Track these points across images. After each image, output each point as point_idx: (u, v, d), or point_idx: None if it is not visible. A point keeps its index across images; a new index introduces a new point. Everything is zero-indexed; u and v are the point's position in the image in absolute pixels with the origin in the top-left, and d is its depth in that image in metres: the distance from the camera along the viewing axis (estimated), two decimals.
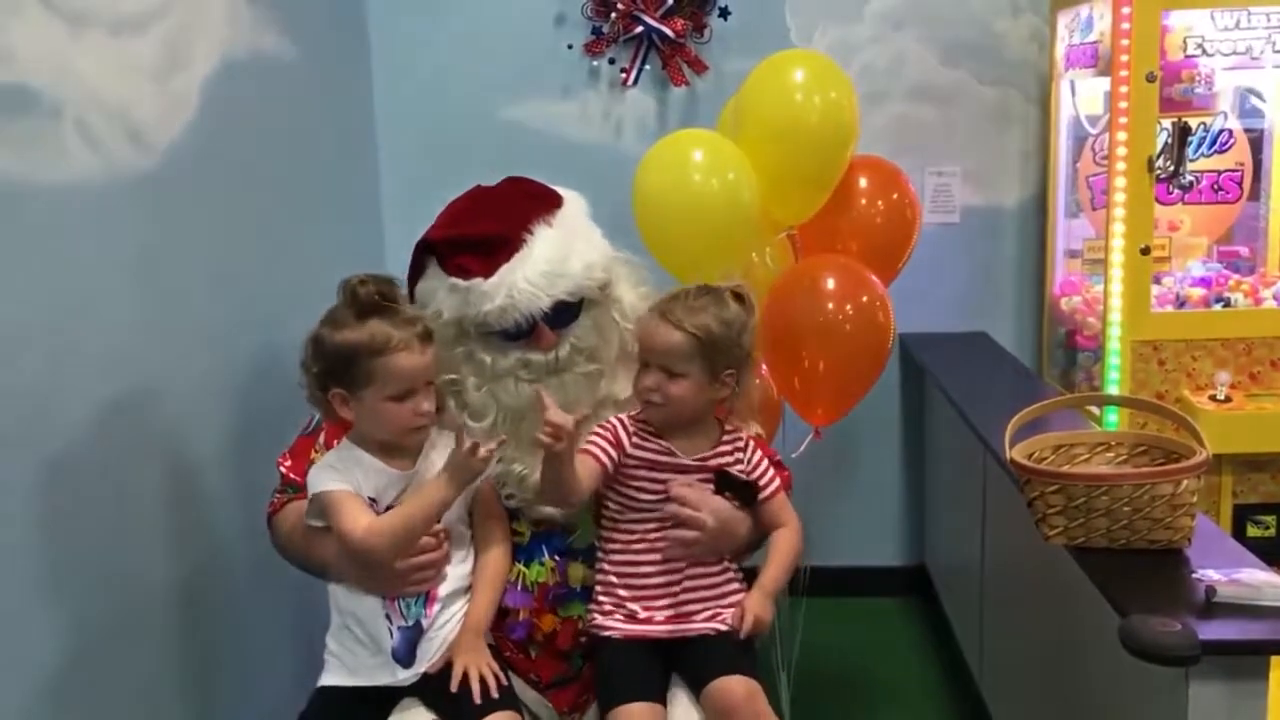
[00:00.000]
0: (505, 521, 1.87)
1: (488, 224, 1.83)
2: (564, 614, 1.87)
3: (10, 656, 1.63)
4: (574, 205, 1.91)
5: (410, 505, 1.70)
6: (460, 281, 1.78)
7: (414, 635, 1.75)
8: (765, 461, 1.88)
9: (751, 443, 1.88)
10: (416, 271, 1.88)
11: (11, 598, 1.64)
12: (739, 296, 1.82)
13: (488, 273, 1.77)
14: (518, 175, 1.96)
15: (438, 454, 1.77)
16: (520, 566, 1.87)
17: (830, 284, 2.35)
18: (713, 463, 1.82)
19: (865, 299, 2.36)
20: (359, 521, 1.67)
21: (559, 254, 1.80)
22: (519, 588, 1.87)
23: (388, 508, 1.74)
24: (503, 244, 1.79)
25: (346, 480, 1.72)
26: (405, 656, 1.74)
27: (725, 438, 1.85)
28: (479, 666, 1.72)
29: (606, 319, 1.88)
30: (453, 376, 1.83)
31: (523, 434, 1.80)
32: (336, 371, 1.69)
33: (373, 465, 1.75)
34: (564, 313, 1.83)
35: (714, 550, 1.81)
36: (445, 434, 1.80)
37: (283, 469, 1.92)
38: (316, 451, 1.88)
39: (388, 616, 1.74)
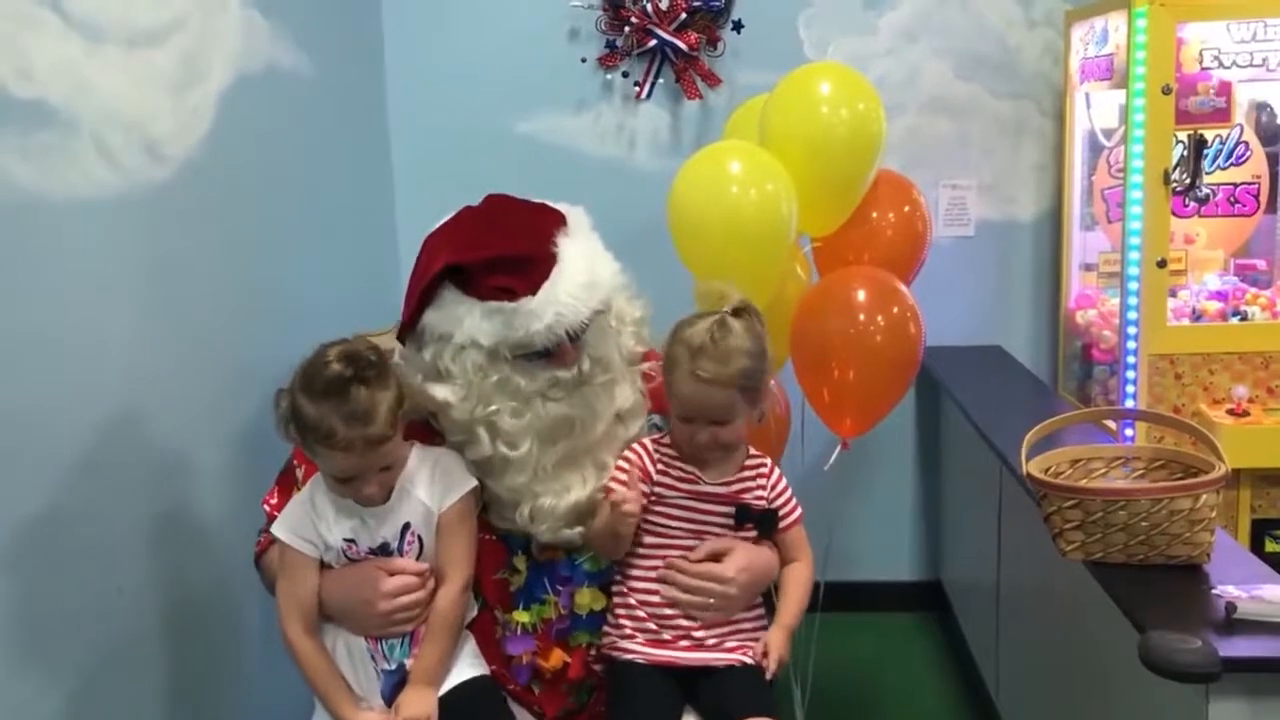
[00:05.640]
0: (469, 557, 1.75)
1: (512, 243, 1.74)
2: (574, 643, 1.82)
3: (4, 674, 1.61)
4: (578, 216, 1.85)
5: (314, 678, 1.69)
6: (506, 304, 1.69)
7: (399, 679, 1.69)
8: (789, 490, 1.85)
9: (776, 470, 1.85)
10: (424, 303, 1.74)
11: (6, 604, 1.62)
12: (738, 312, 1.76)
13: (532, 291, 1.69)
14: (497, 193, 1.88)
15: (419, 486, 1.71)
16: (517, 615, 1.81)
17: (861, 295, 2.34)
18: (735, 488, 1.80)
19: (896, 310, 2.35)
20: (288, 619, 1.69)
21: (588, 264, 1.75)
22: (518, 633, 1.80)
23: (370, 550, 1.70)
24: (537, 261, 1.71)
25: (309, 533, 1.69)
26: (391, 700, 1.68)
27: (749, 462, 1.83)
28: None
29: (605, 325, 1.82)
30: (493, 408, 1.72)
31: (549, 459, 1.75)
32: (293, 424, 1.62)
33: (343, 508, 1.69)
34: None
35: (744, 605, 1.79)
36: (424, 465, 1.73)
37: (267, 508, 1.87)
38: (297, 488, 1.82)
39: (373, 658, 1.70)
